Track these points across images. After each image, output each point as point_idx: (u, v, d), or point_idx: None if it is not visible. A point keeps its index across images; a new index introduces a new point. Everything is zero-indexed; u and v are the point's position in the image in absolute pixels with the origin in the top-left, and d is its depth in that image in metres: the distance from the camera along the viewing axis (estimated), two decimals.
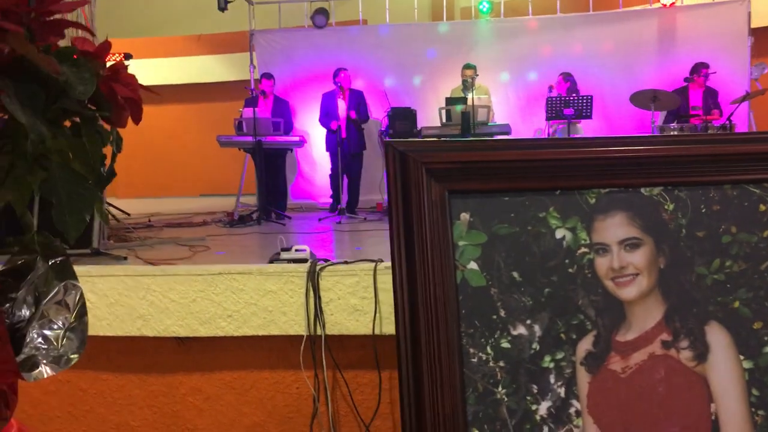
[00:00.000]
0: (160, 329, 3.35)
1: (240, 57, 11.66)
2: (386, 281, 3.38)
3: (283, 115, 7.70)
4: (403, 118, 7.44)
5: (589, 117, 7.25)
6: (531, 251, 1.00)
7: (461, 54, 8.40)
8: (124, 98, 0.98)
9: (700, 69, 7.71)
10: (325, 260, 3.55)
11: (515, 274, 0.99)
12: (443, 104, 8.02)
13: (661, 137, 1.07)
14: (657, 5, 8.33)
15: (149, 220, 7.72)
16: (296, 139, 7.54)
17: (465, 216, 1.00)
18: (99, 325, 3.37)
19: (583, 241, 1.00)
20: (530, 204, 1.01)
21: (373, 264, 3.44)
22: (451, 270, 0.98)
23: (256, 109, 7.12)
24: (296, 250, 3.88)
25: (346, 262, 3.48)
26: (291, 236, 6.44)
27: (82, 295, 1.12)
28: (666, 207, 1.02)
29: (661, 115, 7.93)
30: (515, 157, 1.02)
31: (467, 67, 7.90)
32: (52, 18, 0.96)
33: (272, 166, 7.51)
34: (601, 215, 1.01)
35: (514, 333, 0.97)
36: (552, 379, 0.97)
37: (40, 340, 1.09)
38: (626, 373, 0.97)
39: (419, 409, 0.94)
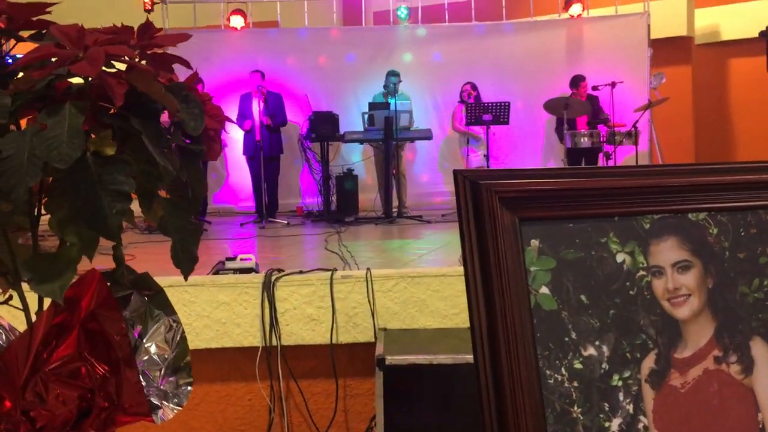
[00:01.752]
0: None
1: None
2: (342, 290, 3.40)
3: None
4: (325, 122, 7.47)
5: (507, 123, 7.50)
6: (596, 275, 1.06)
7: (380, 59, 8.51)
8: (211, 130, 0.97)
9: (578, 82, 8.15)
10: (279, 270, 3.53)
11: (583, 297, 1.04)
12: (364, 108, 8.09)
13: (703, 166, 1.15)
14: (565, 16, 8.70)
15: None
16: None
17: (535, 242, 1.05)
18: None
19: (641, 264, 1.07)
20: (592, 230, 1.07)
21: (329, 273, 3.46)
22: (526, 295, 1.03)
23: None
24: (242, 260, 3.83)
25: (301, 272, 3.48)
26: (216, 242, 6.32)
27: (183, 332, 1.08)
28: (710, 231, 1.10)
29: (552, 121, 8.29)
30: (579, 185, 1.07)
31: (392, 74, 8.00)
32: (154, 52, 0.93)
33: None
34: (655, 239, 1.08)
35: (585, 354, 1.03)
36: (621, 397, 1.03)
37: (142, 378, 1.04)
38: (685, 388, 1.05)
39: (502, 427, 0.98)
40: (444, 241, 5.80)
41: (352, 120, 8.13)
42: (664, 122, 9.32)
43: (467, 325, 1.11)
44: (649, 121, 8.30)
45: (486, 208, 1.04)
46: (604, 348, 1.04)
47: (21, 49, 0.97)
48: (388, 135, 7.14)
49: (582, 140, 7.46)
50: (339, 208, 7.60)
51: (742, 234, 1.12)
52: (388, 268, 3.70)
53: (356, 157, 8.39)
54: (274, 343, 3.19)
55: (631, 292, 1.07)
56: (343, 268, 3.86)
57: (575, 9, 8.44)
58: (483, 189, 1.05)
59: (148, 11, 7.50)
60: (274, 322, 3.18)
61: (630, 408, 1.03)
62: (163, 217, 0.96)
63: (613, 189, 1.09)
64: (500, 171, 1.09)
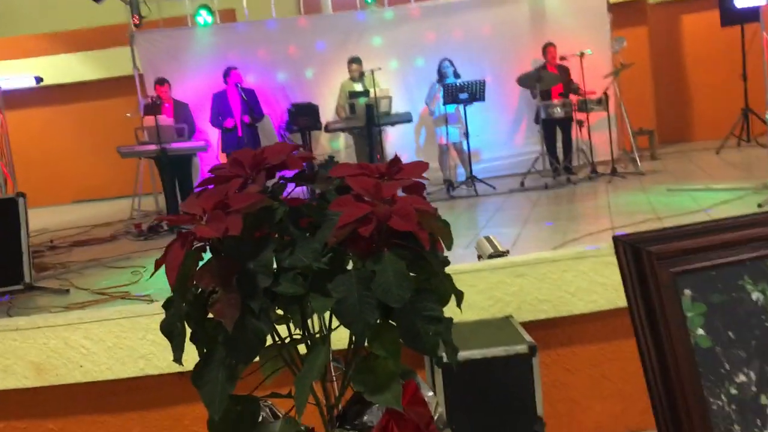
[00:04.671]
0: (164, 366, 3.38)
1: (107, 54, 11.14)
2: None
3: (186, 119, 7.57)
4: (305, 113, 7.55)
5: (483, 100, 7.68)
6: (738, 313, 1.26)
7: (350, 44, 8.57)
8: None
9: (545, 49, 8.38)
10: None
11: (731, 334, 1.25)
12: (337, 96, 8.17)
13: None
14: None
15: (51, 241, 7.36)
16: (201, 143, 7.45)
17: (688, 292, 1.25)
18: (98, 370, 3.35)
19: None
20: (731, 275, 1.27)
21: None
22: (687, 337, 1.23)
23: (158, 116, 6.96)
24: None
25: None
26: None
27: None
28: None
29: (523, 93, 8.52)
30: (717, 240, 1.27)
31: (353, 61, 8.10)
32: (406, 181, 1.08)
33: (179, 172, 7.38)
34: None
35: (738, 381, 1.24)
36: None
37: None
38: None
39: None
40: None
41: (330, 109, 8.23)
42: (625, 83, 9.63)
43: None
44: (614, 85, 8.58)
45: (647, 268, 1.24)
46: (752, 374, 1.26)
47: None
48: (370, 122, 7.27)
49: (555, 111, 7.71)
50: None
51: None
52: None
53: (335, 145, 8.52)
54: None
55: (766, 324, 1.28)
56: None
57: None
58: (643, 252, 1.24)
59: (137, 26, 7.49)
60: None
61: None
62: None
63: (743, 239, 1.30)
64: (652, 233, 1.29)
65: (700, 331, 1.25)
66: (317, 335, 1.17)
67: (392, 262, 1.06)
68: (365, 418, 1.24)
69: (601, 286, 3.59)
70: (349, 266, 1.13)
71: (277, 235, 1.06)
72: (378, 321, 1.05)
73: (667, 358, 1.22)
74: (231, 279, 1.01)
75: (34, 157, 11.87)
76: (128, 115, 8.49)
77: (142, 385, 3.45)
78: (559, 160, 8.00)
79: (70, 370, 3.41)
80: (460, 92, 7.48)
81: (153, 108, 7.46)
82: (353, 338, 1.14)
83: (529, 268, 3.52)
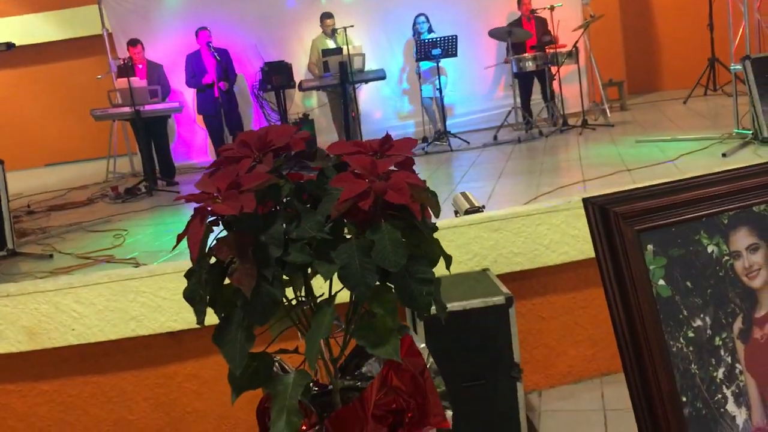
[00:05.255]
0: (155, 327, 3.49)
1: (75, 13, 10.95)
2: None
3: (160, 80, 7.54)
4: (278, 72, 7.55)
5: (455, 55, 7.74)
6: (695, 265, 1.41)
7: (321, 0, 8.51)
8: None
9: (520, 1, 8.41)
10: None
11: (688, 283, 1.40)
12: (309, 53, 8.16)
13: (758, 169, 1.50)
14: None
15: (29, 206, 7.36)
16: (176, 104, 7.45)
17: (650, 247, 1.38)
18: (90, 333, 3.46)
19: (724, 252, 1.42)
20: (688, 231, 1.41)
21: None
22: (649, 288, 1.37)
23: (131, 78, 6.93)
24: None
25: None
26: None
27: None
28: None
29: (500, 47, 8.59)
30: (676, 200, 1.41)
31: (326, 16, 8.08)
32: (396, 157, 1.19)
33: (155, 134, 7.39)
34: (732, 231, 1.44)
35: (695, 325, 1.39)
36: (722, 352, 1.40)
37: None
38: (764, 338, 1.42)
39: (646, 391, 1.34)
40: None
41: (303, 66, 8.23)
42: (595, 35, 9.72)
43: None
44: (584, 37, 8.67)
45: (614, 227, 1.37)
46: (707, 319, 1.40)
47: None
48: (344, 80, 7.31)
49: (527, 64, 7.79)
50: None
51: None
52: None
53: (309, 103, 8.54)
54: None
55: (720, 274, 1.42)
56: None
57: None
58: (610, 213, 1.37)
59: None
60: None
61: (729, 359, 1.41)
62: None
63: (700, 198, 1.43)
64: (618, 195, 1.42)
65: (661, 282, 1.39)
66: (320, 297, 1.29)
67: (389, 231, 1.18)
68: (364, 369, 1.37)
69: (573, 238, 3.75)
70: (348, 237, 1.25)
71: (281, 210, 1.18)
72: (377, 283, 1.18)
73: (632, 306, 1.36)
74: (247, 250, 1.12)
75: (5, 120, 11.73)
76: (99, 77, 8.42)
77: (134, 345, 3.56)
78: (532, 113, 8.12)
79: (62, 333, 3.51)
80: (433, 48, 7.52)
81: (126, 70, 7.42)
82: (354, 299, 1.26)
83: (504, 223, 3.66)
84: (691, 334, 1.40)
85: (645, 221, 1.40)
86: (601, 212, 1.39)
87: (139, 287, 3.44)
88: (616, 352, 4.25)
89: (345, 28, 7.35)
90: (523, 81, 8.07)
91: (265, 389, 1.27)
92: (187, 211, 5.54)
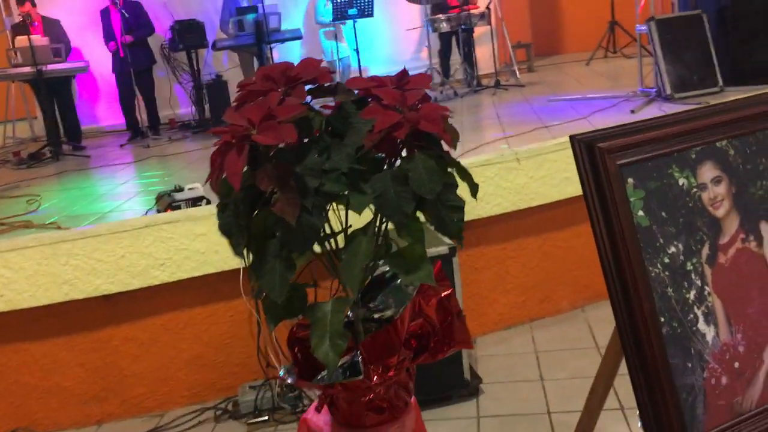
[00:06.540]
0: (90, 290, 3.41)
1: None
2: None
3: (60, 38, 7.16)
4: (190, 31, 7.33)
5: (371, 15, 7.73)
6: (668, 196, 1.51)
7: None
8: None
9: None
10: None
11: (663, 214, 1.50)
12: (221, 10, 7.94)
13: (719, 107, 1.61)
14: None
15: None
16: (81, 64, 7.12)
17: (630, 180, 1.48)
18: (20, 298, 3.34)
19: (693, 184, 1.54)
20: (662, 165, 1.52)
21: None
22: (630, 217, 1.47)
23: (32, 36, 6.56)
24: (189, 189, 4.00)
25: None
26: (121, 170, 6.19)
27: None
28: (730, 153, 1.59)
29: (425, 9, 8.64)
30: (652, 136, 1.51)
31: None
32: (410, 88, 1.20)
33: (59, 95, 7.04)
34: (699, 165, 1.55)
35: (669, 252, 1.50)
36: (693, 276, 1.52)
37: None
38: (727, 263, 1.56)
39: (629, 310, 1.45)
40: None
41: (213, 26, 8.00)
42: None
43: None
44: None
45: (599, 160, 1.46)
46: (680, 245, 1.52)
47: None
48: (259, 39, 7.17)
49: (442, 26, 7.88)
50: (214, 115, 7.59)
51: (748, 152, 1.61)
52: None
53: (219, 66, 8.32)
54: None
55: (690, 204, 1.54)
56: None
57: None
58: (595, 148, 1.46)
59: None
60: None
61: (699, 282, 1.53)
62: None
63: (671, 135, 1.54)
64: (601, 132, 1.50)
65: (641, 213, 1.49)
66: (349, 228, 1.32)
67: (422, 160, 1.21)
68: (378, 300, 1.41)
69: (505, 190, 3.89)
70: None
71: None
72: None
73: (616, 234, 1.46)
74: (288, 181, 1.13)
75: None
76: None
77: (66, 310, 3.45)
78: (449, 73, 8.24)
79: None
80: (349, 8, 7.48)
81: (22, 27, 7.01)
82: (381, 229, 1.29)
83: None
84: (666, 260, 1.51)
85: (625, 156, 1.49)
86: (588, 148, 1.47)
87: (71, 249, 3.33)
88: (543, 299, 4.48)
89: None
90: (443, 41, 8.19)
91: (304, 317, 1.29)
92: (100, 174, 5.38)
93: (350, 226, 1.30)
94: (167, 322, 3.59)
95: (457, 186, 1.32)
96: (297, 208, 1.11)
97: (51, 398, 3.55)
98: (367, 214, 1.29)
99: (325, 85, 1.26)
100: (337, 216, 1.33)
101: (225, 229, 1.29)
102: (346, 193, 1.19)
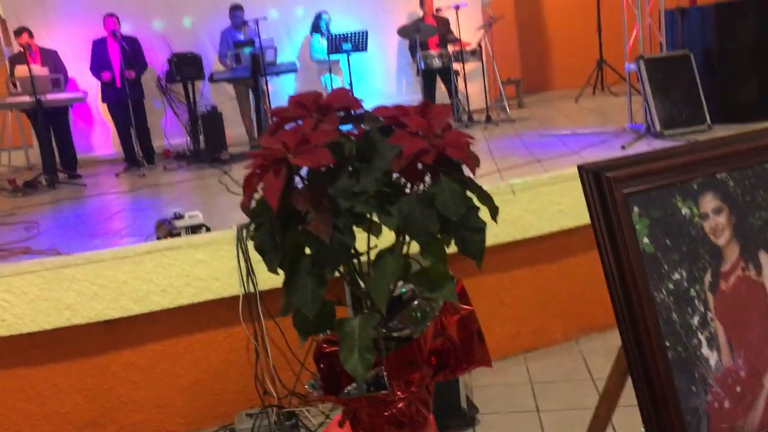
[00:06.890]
0: (92, 315, 3.43)
1: None
2: None
3: (57, 68, 7.24)
4: (188, 63, 7.43)
5: (365, 50, 7.88)
6: (672, 224, 1.58)
7: None
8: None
9: (422, 1, 8.69)
10: (248, 224, 3.79)
11: (667, 241, 1.57)
12: (218, 44, 8.07)
13: (720, 141, 1.69)
14: None
15: None
16: (80, 94, 7.21)
17: (636, 208, 1.55)
18: (21, 323, 3.36)
19: (695, 214, 1.61)
20: (666, 195, 1.58)
21: None
22: (636, 244, 1.53)
23: (30, 66, 6.63)
24: (190, 217, 4.05)
25: None
26: (116, 199, 6.23)
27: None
28: (730, 184, 1.66)
29: (401, 46, 8.82)
30: (656, 168, 1.58)
31: (236, 8, 8.01)
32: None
33: (56, 124, 7.11)
34: (701, 195, 1.62)
35: (674, 278, 1.56)
36: (696, 302, 1.58)
37: None
38: (729, 290, 1.62)
39: (636, 334, 1.50)
40: None
41: (209, 58, 8.10)
42: (494, 35, 10.12)
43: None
44: (486, 37, 9.01)
45: (606, 190, 1.52)
46: (683, 272, 1.58)
47: None
48: (255, 72, 7.27)
49: (434, 61, 8.03)
50: (208, 146, 7.66)
51: (747, 184, 1.69)
52: None
53: (217, 97, 8.42)
54: (252, 290, 3.51)
55: (693, 233, 1.60)
56: None
57: None
58: (603, 177, 1.52)
59: None
60: (251, 271, 3.49)
61: (702, 308, 1.59)
62: None
63: (674, 166, 1.61)
64: (608, 162, 1.57)
65: (646, 240, 1.55)
66: (373, 248, 1.38)
67: (448, 183, 1.28)
68: (396, 320, 1.46)
69: (501, 222, 3.94)
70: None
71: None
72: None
73: (623, 261, 1.52)
74: (322, 201, 1.19)
75: None
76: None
77: (66, 336, 3.46)
78: None
79: None
80: (344, 42, 7.62)
81: (21, 57, 7.08)
82: (404, 249, 1.36)
83: None
84: (671, 286, 1.56)
85: (631, 185, 1.56)
86: (595, 177, 1.53)
87: (74, 275, 3.35)
88: (537, 330, 4.54)
89: (257, 20, 7.31)
90: (428, 78, 8.31)
91: (332, 332, 1.34)
92: (95, 203, 5.41)
93: (375, 246, 1.37)
94: (166, 348, 3.61)
95: (478, 209, 1.39)
96: (330, 226, 1.17)
97: (48, 425, 3.54)
98: (387, 238, 1.35)
99: (353, 112, 1.33)
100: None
101: (260, 247, 1.35)
102: (371, 215, 1.26)
